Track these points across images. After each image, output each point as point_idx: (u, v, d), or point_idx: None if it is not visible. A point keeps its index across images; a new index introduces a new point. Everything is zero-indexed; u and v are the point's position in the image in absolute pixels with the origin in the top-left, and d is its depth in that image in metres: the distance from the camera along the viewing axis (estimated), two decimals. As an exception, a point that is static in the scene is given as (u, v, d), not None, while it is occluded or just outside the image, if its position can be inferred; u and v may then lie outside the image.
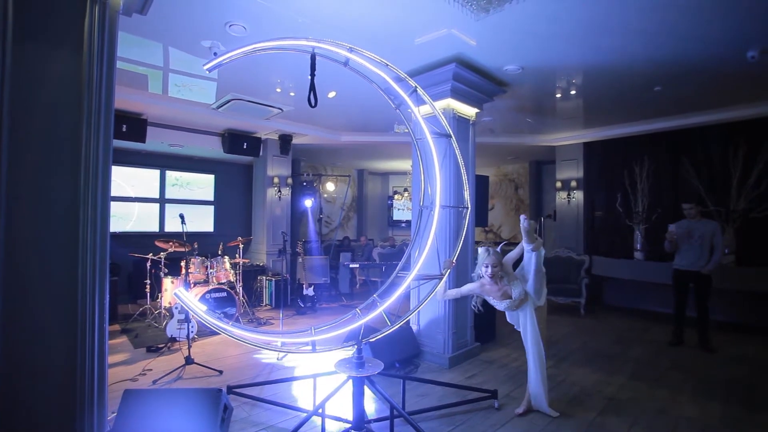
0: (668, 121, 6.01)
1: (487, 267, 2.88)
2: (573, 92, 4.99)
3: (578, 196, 7.47)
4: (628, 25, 3.30)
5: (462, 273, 4.24)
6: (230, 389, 3.29)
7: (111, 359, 4.04)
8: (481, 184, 5.03)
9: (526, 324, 3.00)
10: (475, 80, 4.27)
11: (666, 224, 4.88)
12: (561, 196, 7.68)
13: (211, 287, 5.24)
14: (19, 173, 1.83)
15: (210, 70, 2.29)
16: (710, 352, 4.49)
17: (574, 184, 7.47)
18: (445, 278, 2.96)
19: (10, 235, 1.80)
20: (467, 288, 3.06)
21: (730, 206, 5.72)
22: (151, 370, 3.84)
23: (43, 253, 1.89)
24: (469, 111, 4.47)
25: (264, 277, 6.92)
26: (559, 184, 7.71)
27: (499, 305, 2.99)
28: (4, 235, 1.77)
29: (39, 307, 1.88)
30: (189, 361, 3.82)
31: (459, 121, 4.31)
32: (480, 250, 2.96)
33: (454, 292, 3.13)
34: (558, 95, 5.14)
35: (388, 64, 2.63)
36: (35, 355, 1.88)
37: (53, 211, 1.91)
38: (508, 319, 3.18)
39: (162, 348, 4.44)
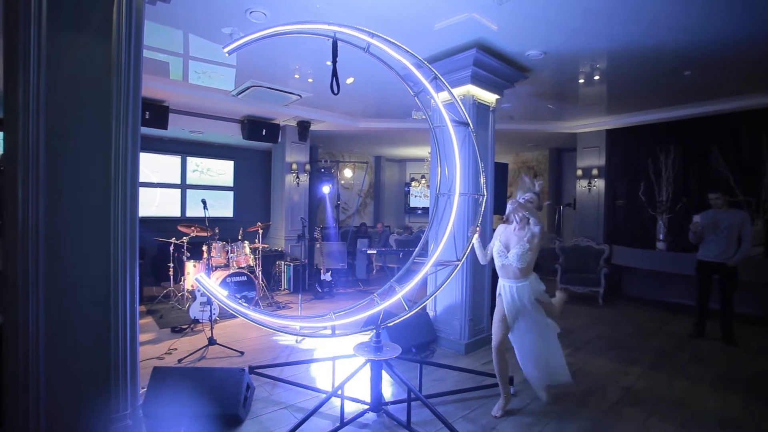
0: (697, 107, 5.78)
1: (526, 194, 2.75)
2: (597, 77, 4.84)
3: (599, 184, 7.31)
4: (657, 4, 3.17)
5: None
6: (252, 369, 3.40)
7: (139, 338, 4.22)
8: (499, 172, 4.98)
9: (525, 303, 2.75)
10: (496, 66, 4.19)
11: (691, 214, 4.75)
12: (581, 185, 7.53)
13: (231, 271, 5.38)
14: (55, 161, 1.91)
15: (230, 52, 2.26)
16: (733, 345, 4.40)
17: (595, 172, 7.31)
18: (461, 263, 2.96)
19: (50, 220, 1.89)
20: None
21: (762, 196, 5.52)
22: (176, 349, 3.99)
23: (80, 237, 1.99)
24: (490, 97, 4.40)
25: (282, 262, 7.05)
26: (579, 172, 7.55)
27: (504, 257, 2.76)
28: (44, 220, 1.87)
29: (77, 287, 1.99)
30: (212, 341, 3.96)
31: (479, 108, 4.26)
32: (526, 179, 2.83)
33: (489, 251, 2.95)
34: (581, 81, 5.00)
35: (408, 50, 2.61)
36: (75, 332, 2.00)
37: (87, 196, 2.00)
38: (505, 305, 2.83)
39: (185, 329, 4.61)
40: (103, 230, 2.03)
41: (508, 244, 2.79)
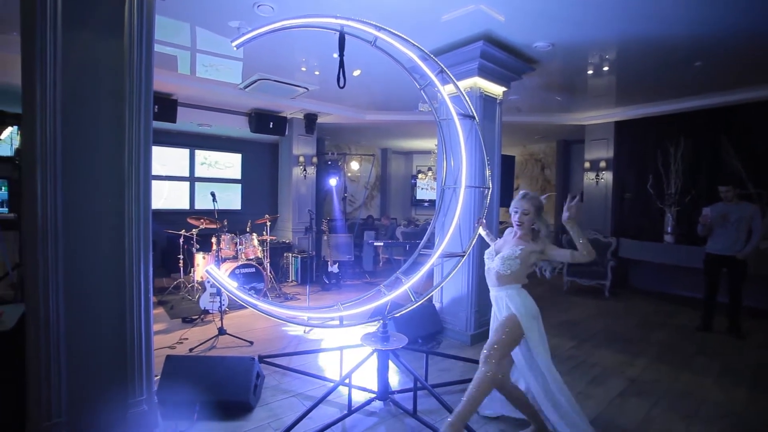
0: (708, 98, 5.70)
1: (516, 212, 2.37)
2: (606, 69, 4.79)
3: (607, 177, 7.26)
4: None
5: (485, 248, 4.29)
6: (261, 358, 3.47)
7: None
8: (506, 164, 4.97)
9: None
10: (503, 58, 4.16)
11: (700, 207, 4.72)
12: (589, 177, 7.49)
13: (240, 263, 5.46)
14: (71, 156, 1.97)
15: (238, 46, 2.29)
16: (740, 338, 4.40)
17: (603, 164, 7.26)
18: (466, 256, 2.99)
19: (67, 214, 1.95)
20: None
21: (772, 189, 5.46)
22: (187, 339, 4.08)
23: (95, 230, 2.05)
24: (497, 90, 4.38)
25: (290, 254, 7.13)
26: (587, 165, 7.51)
27: (491, 260, 2.44)
28: (61, 214, 1.93)
29: (94, 279, 2.06)
30: (222, 331, 4.04)
31: (486, 101, 4.25)
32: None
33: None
34: (590, 72, 4.95)
35: (415, 44, 2.61)
36: (93, 322, 2.07)
37: (102, 190, 2.06)
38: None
39: (196, 319, 4.70)
40: (117, 223, 2.09)
41: (501, 248, 2.48)
